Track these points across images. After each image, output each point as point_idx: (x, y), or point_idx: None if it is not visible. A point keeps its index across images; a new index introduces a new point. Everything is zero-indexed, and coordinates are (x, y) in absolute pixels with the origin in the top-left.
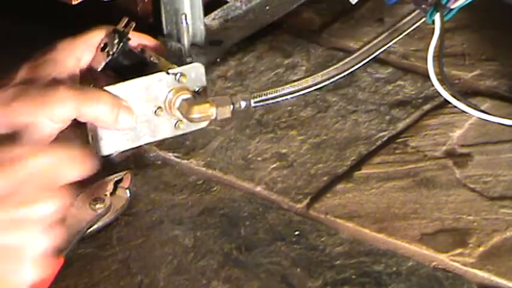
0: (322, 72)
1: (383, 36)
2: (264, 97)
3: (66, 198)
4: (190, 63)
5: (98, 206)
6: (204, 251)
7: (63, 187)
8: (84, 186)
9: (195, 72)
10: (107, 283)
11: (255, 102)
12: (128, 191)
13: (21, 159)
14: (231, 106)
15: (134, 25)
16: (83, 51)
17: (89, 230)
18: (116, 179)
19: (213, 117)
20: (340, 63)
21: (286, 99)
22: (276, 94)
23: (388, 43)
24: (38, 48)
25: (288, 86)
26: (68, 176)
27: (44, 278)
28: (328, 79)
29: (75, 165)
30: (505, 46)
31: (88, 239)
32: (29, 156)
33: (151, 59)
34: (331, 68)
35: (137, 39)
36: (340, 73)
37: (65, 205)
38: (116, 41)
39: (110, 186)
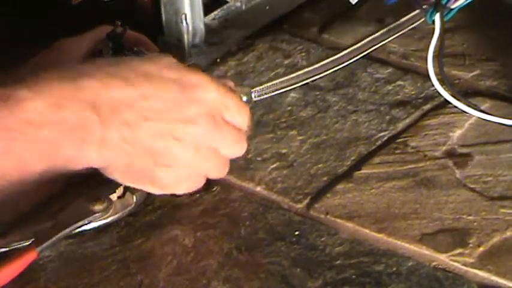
0: (323, 63)
1: (381, 31)
2: (265, 90)
3: (222, 130)
4: (190, 63)
5: (96, 206)
6: (204, 251)
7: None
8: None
9: None
10: (106, 283)
11: (256, 96)
12: (135, 197)
13: (199, 86)
14: None
15: (128, 29)
16: (90, 44)
17: (80, 229)
18: None
19: None
20: (340, 55)
21: (288, 90)
22: (277, 86)
23: (385, 39)
24: (38, 49)
25: (288, 77)
26: (227, 118)
27: (11, 269)
28: (329, 70)
29: (234, 115)
30: (505, 46)
31: (88, 239)
32: (208, 88)
33: None
34: (332, 59)
35: (131, 39)
36: (341, 63)
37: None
38: (111, 45)
39: (120, 189)
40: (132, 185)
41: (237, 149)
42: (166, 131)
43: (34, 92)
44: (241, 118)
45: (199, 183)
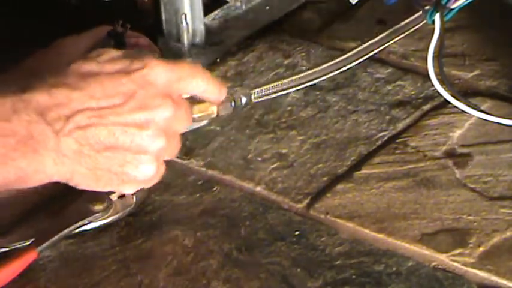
0: (322, 67)
1: (383, 35)
2: (264, 91)
3: (179, 108)
4: None
5: (96, 206)
6: (204, 251)
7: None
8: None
9: None
10: (106, 283)
11: (255, 98)
12: (135, 197)
13: (144, 68)
14: (232, 103)
15: (129, 27)
16: (89, 43)
17: (80, 229)
18: None
19: (214, 115)
20: (340, 58)
21: (286, 93)
22: (276, 88)
23: (387, 42)
24: (38, 49)
25: (287, 79)
26: (184, 90)
27: (11, 269)
28: (328, 73)
29: (190, 82)
30: (505, 46)
31: (88, 239)
32: (154, 66)
33: None
34: (331, 63)
35: (132, 39)
36: (340, 67)
37: (178, 116)
38: (112, 43)
39: None
40: (102, 190)
41: (187, 123)
42: (127, 123)
43: None
44: (196, 82)
45: (163, 170)
